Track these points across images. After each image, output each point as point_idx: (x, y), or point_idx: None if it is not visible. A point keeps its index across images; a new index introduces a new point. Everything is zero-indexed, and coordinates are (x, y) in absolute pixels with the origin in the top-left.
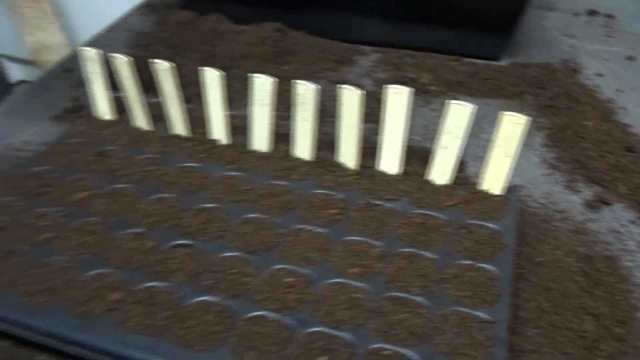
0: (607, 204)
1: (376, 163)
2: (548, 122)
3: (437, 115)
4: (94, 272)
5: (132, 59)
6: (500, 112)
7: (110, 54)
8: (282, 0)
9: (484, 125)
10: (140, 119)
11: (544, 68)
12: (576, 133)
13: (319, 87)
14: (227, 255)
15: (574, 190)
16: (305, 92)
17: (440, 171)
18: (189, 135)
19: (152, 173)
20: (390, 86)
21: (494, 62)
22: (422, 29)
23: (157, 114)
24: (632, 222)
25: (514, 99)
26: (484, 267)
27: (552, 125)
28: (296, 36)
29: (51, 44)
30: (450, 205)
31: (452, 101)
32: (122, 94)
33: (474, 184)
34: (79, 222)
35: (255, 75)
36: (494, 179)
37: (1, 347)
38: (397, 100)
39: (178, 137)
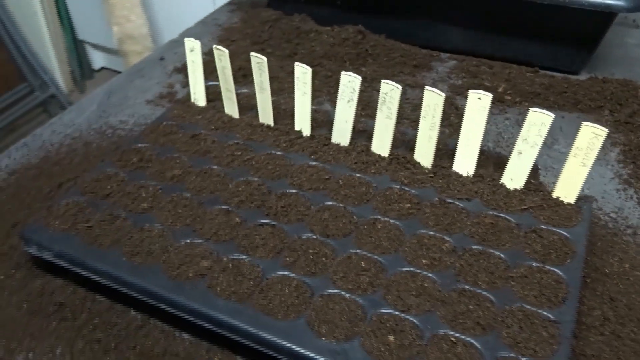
0: None
1: (452, 164)
2: (624, 138)
3: (511, 124)
4: (187, 240)
5: (226, 51)
6: (582, 123)
7: (214, 46)
8: (363, 4)
9: (557, 136)
10: (231, 108)
11: (624, 84)
12: None
13: (400, 88)
14: (306, 237)
15: None
16: (391, 91)
17: (514, 176)
18: (275, 125)
19: (240, 157)
20: (472, 90)
21: (573, 76)
22: (502, 39)
23: (245, 103)
24: None
25: (591, 114)
26: (552, 270)
27: (628, 141)
28: (376, 39)
29: (136, 35)
30: (522, 209)
31: (532, 108)
32: (217, 84)
33: (548, 191)
34: (174, 195)
35: (343, 72)
36: (568, 187)
37: (99, 301)
38: (478, 104)
39: (265, 126)
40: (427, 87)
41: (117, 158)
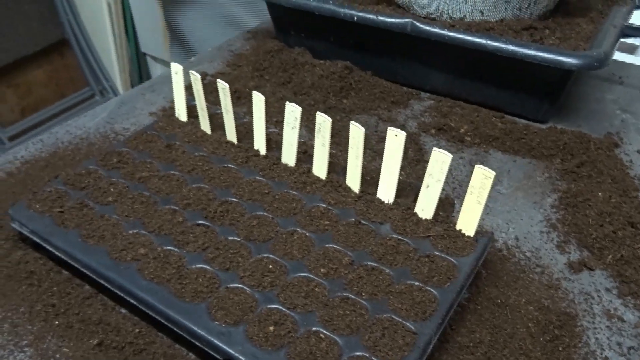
0: (589, 269)
1: (376, 191)
2: (566, 186)
3: (463, 163)
4: (135, 231)
5: (199, 76)
6: (476, 165)
7: (190, 71)
8: (353, 43)
9: (503, 178)
10: (205, 125)
11: (578, 137)
12: (586, 200)
13: (330, 120)
14: (231, 239)
15: (563, 251)
16: (323, 122)
17: (425, 207)
18: (238, 143)
19: (201, 167)
20: (390, 128)
21: (535, 124)
22: (476, 85)
23: (220, 122)
24: (607, 290)
25: (542, 160)
26: (429, 290)
27: (568, 189)
28: (361, 75)
29: None
30: (424, 236)
31: (435, 148)
32: (194, 103)
33: (453, 223)
34: (136, 193)
35: (287, 103)
36: (468, 221)
37: (62, 273)
38: (395, 141)
39: (230, 143)
40: (352, 122)
41: (100, 158)
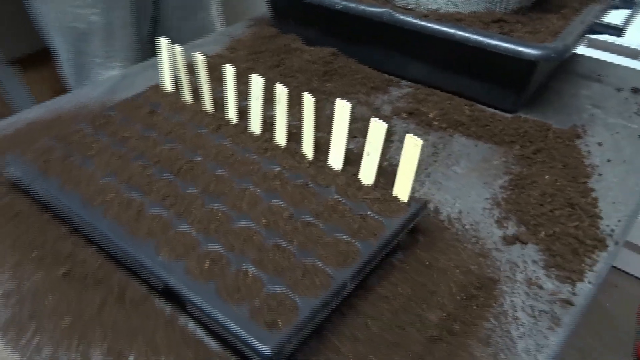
0: (522, 242)
1: (327, 158)
2: (518, 170)
3: (426, 145)
4: (107, 180)
5: (181, 49)
6: (407, 135)
7: (169, 43)
8: (339, 31)
9: (461, 160)
10: (187, 96)
11: (541, 126)
12: (533, 182)
13: (287, 89)
14: (190, 191)
15: (501, 226)
16: (281, 93)
17: (367, 173)
18: (213, 113)
19: (176, 132)
20: (338, 100)
21: (501, 113)
22: (449, 74)
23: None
24: (534, 261)
25: (502, 146)
26: (354, 244)
27: (519, 173)
28: (346, 61)
29: None
30: (362, 199)
31: (373, 118)
32: (178, 74)
33: (390, 190)
34: (115, 150)
35: (252, 74)
36: (402, 188)
37: (43, 215)
38: (342, 111)
39: (206, 113)
40: (305, 93)
41: (90, 119)
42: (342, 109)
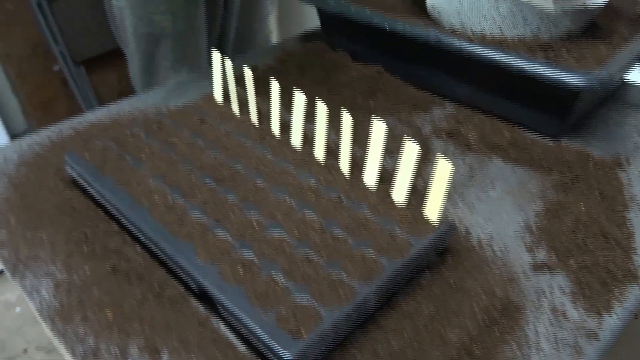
0: (551, 269)
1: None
2: (554, 197)
3: (462, 166)
4: (156, 182)
5: (230, 62)
6: (438, 156)
7: (220, 55)
8: (385, 49)
9: (496, 184)
10: (235, 107)
11: (580, 153)
12: (567, 210)
13: (326, 108)
14: (229, 198)
15: (531, 252)
16: (321, 111)
17: (399, 192)
18: (258, 125)
19: (222, 140)
20: (375, 119)
21: (542, 138)
22: (493, 97)
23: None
24: (562, 290)
25: (539, 171)
26: (380, 261)
27: (555, 200)
28: (391, 79)
29: None
30: (392, 217)
31: (406, 138)
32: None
33: (420, 210)
34: (164, 154)
35: (296, 91)
36: (432, 209)
37: (96, 210)
38: (378, 131)
39: (251, 124)
40: (343, 112)
41: (145, 123)
42: (378, 128)
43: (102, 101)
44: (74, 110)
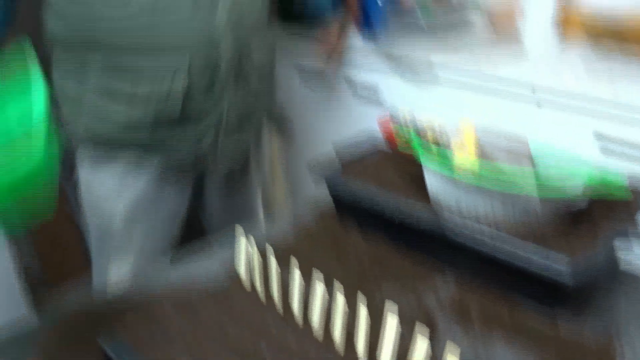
0: None
1: None
2: None
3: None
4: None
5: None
6: (448, 344)
7: (251, 244)
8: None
9: None
10: (258, 284)
11: (578, 335)
12: None
13: (344, 297)
14: None
15: None
16: (339, 301)
17: None
18: (281, 304)
19: (245, 319)
20: (389, 313)
21: (543, 318)
22: (493, 276)
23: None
24: None
25: (535, 351)
26: None
27: None
28: (396, 256)
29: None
30: None
31: (419, 332)
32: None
33: None
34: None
35: (316, 280)
36: None
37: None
38: (390, 322)
39: (274, 304)
40: (361, 305)
41: (173, 298)
42: (391, 321)
43: None
44: None
